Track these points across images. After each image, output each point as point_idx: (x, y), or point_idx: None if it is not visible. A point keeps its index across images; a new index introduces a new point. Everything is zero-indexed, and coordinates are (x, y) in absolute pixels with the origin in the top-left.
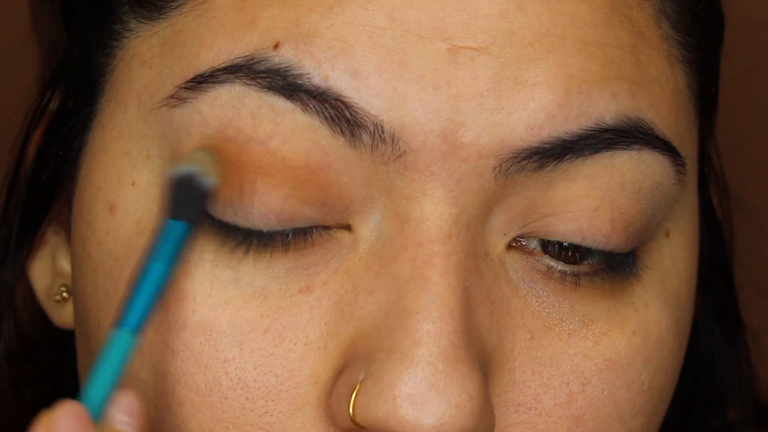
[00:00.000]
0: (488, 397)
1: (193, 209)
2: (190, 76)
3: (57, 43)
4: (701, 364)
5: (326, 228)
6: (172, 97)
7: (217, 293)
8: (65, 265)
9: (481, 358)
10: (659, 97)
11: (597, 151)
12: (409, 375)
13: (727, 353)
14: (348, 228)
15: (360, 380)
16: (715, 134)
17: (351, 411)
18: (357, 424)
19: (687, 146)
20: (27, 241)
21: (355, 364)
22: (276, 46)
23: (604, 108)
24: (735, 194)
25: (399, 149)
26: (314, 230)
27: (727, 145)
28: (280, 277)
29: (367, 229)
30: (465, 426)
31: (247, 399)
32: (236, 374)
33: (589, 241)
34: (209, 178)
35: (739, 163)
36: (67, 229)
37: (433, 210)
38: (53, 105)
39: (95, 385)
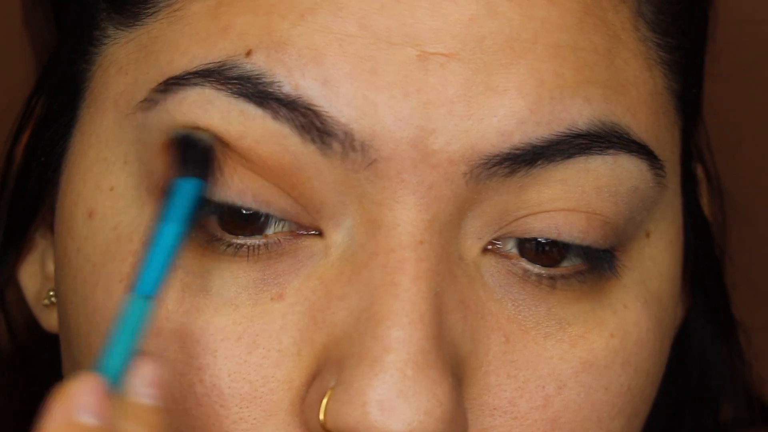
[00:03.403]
0: (460, 402)
1: (198, 167)
2: (163, 80)
3: (49, 45)
4: (693, 363)
5: (296, 236)
6: (144, 100)
7: (189, 301)
8: (53, 268)
9: (454, 362)
10: (636, 100)
11: (570, 156)
12: (378, 381)
13: (719, 352)
14: (319, 234)
15: (331, 386)
16: (708, 133)
17: (322, 417)
18: (328, 431)
19: (666, 149)
20: (15, 246)
21: (327, 370)
22: (248, 54)
23: (577, 113)
24: (728, 193)
25: (369, 157)
26: (282, 240)
27: (722, 144)
28: (249, 288)
29: (338, 235)
30: None
31: (221, 406)
32: (210, 381)
33: (565, 236)
34: (210, 137)
35: (733, 162)
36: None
37: (405, 216)
38: (39, 110)
39: (111, 353)
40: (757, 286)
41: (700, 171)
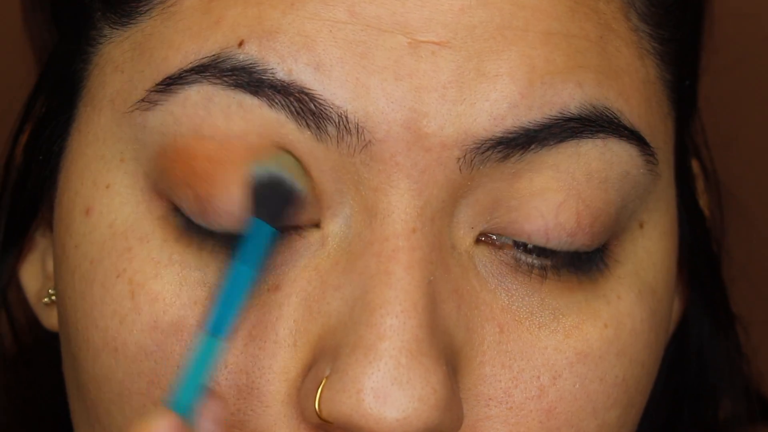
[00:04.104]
0: (454, 390)
1: (279, 212)
2: (160, 78)
3: (49, 46)
4: (691, 357)
5: (296, 228)
6: (143, 100)
7: (186, 294)
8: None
9: (448, 351)
10: (628, 87)
11: (562, 140)
12: (372, 369)
13: (717, 346)
14: (317, 225)
15: (326, 375)
16: (704, 129)
17: (317, 406)
18: (323, 419)
19: (659, 137)
20: (16, 245)
21: (323, 359)
22: (240, 44)
23: (569, 97)
24: (726, 188)
25: (364, 139)
26: (283, 231)
27: (719, 140)
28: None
29: (336, 225)
30: (429, 419)
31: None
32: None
33: (554, 243)
34: (297, 182)
35: (730, 157)
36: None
37: (399, 202)
38: (39, 110)
39: (182, 389)
40: (755, 281)
41: (696, 167)
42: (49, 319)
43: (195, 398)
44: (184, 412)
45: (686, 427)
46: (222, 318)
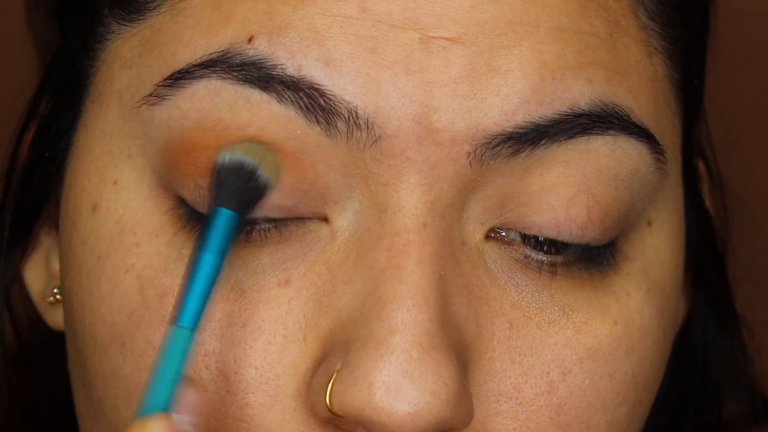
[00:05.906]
0: (465, 385)
1: (246, 200)
2: (168, 73)
3: (52, 45)
4: (696, 356)
5: (302, 220)
6: (151, 95)
7: None
8: (58, 266)
9: (459, 346)
10: (637, 84)
11: (572, 136)
12: (383, 363)
13: (722, 346)
14: (325, 219)
15: (337, 369)
16: (709, 127)
17: (328, 400)
18: (334, 413)
19: (667, 135)
20: (20, 244)
21: (333, 354)
22: (250, 40)
23: (579, 93)
24: (730, 187)
25: (374, 134)
26: (290, 223)
27: (724, 138)
28: (257, 273)
29: (345, 219)
30: (440, 413)
31: (227, 392)
32: (216, 367)
33: (565, 235)
34: (269, 174)
35: (735, 156)
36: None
37: (409, 198)
38: (44, 107)
39: (158, 385)
40: (759, 282)
41: (701, 167)
42: (54, 318)
43: (173, 393)
44: (164, 408)
45: (690, 427)
46: (192, 310)
